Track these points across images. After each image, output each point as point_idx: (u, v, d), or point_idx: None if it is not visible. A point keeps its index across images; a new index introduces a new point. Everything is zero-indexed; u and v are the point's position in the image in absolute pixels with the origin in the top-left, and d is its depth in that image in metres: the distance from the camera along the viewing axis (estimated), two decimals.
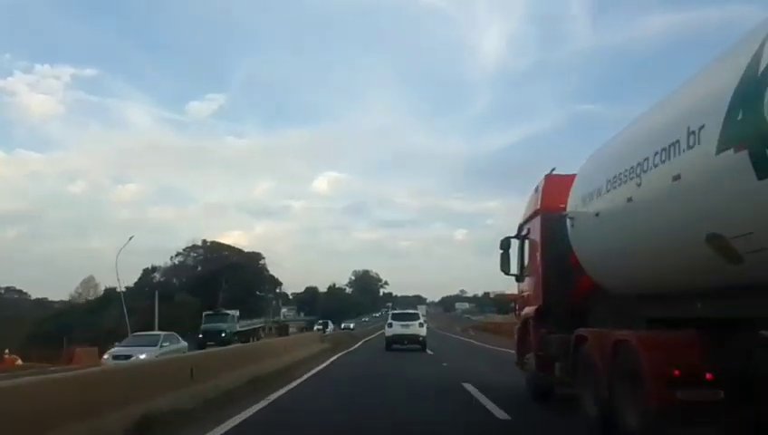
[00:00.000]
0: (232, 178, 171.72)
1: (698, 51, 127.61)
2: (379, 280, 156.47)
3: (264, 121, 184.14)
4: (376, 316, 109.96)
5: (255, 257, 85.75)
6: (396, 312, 29.91)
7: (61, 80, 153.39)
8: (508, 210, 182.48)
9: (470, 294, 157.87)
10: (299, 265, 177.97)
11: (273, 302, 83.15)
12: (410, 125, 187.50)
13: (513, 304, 12.22)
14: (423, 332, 25.23)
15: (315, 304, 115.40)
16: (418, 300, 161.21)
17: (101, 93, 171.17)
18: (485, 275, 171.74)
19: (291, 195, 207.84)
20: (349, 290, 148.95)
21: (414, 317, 26.44)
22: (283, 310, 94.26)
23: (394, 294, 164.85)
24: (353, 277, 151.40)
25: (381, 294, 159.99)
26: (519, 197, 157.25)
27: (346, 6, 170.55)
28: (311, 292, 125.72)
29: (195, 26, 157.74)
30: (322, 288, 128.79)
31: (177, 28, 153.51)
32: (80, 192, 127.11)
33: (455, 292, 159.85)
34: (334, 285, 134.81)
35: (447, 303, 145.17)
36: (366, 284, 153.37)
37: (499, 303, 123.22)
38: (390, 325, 25.93)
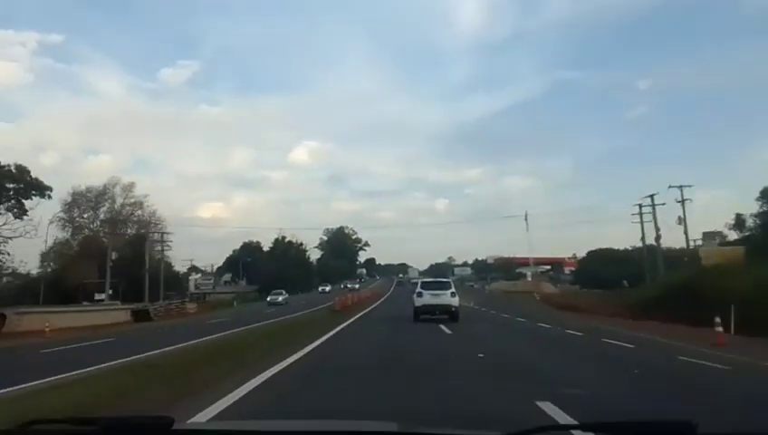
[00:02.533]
0: (208, 148, 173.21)
1: (678, 15, 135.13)
2: (358, 241, 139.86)
3: (240, 89, 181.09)
4: (354, 286, 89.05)
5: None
6: (426, 280, 27.53)
7: (27, 46, 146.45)
8: (488, 179, 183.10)
9: (458, 261, 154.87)
10: None
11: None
12: (390, 93, 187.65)
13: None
14: (455, 301, 23.91)
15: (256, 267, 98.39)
16: (403, 268, 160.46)
17: (70, 61, 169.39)
18: (472, 243, 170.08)
19: (269, 165, 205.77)
20: (317, 253, 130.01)
21: (445, 286, 24.87)
22: (196, 277, 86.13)
23: (378, 261, 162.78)
24: (325, 237, 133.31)
25: (362, 260, 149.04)
26: (499, 166, 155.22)
27: None
28: (250, 250, 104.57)
29: None
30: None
31: None
32: (51, 163, 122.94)
33: (442, 259, 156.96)
34: (283, 238, 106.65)
35: (439, 270, 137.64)
36: (341, 245, 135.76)
37: (504, 268, 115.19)
38: (420, 295, 24.23)
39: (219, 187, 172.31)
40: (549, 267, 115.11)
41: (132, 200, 61.32)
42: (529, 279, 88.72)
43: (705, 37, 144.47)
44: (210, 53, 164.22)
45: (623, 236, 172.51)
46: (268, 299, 54.51)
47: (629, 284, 45.47)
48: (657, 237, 40.37)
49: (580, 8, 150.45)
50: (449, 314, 22.82)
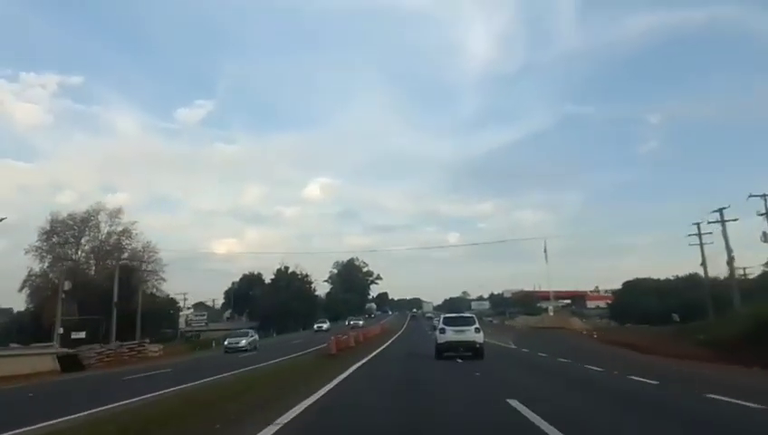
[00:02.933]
0: (223, 185, 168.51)
1: (683, 49, 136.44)
2: (369, 273, 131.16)
3: (253, 127, 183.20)
4: (357, 323, 71.08)
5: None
6: (448, 316, 25.62)
7: (47, 88, 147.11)
8: (500, 213, 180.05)
9: (473, 295, 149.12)
10: None
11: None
12: (401, 128, 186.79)
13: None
14: (480, 338, 22.45)
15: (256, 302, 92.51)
16: (417, 303, 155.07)
17: (88, 101, 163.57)
18: (486, 277, 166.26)
19: (283, 201, 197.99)
20: (326, 287, 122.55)
21: (469, 322, 23.29)
22: (187, 313, 79.93)
23: (391, 296, 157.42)
24: (335, 270, 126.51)
25: (374, 294, 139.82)
26: (511, 199, 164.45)
27: (333, 10, 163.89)
28: (250, 282, 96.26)
29: (181, 32, 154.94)
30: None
31: (162, 34, 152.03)
32: (68, 202, 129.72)
33: (456, 293, 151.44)
34: (285, 268, 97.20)
35: (453, 304, 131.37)
36: (351, 278, 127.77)
37: (523, 302, 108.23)
38: (443, 331, 22.73)
39: (233, 223, 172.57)
40: (569, 301, 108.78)
41: (120, 228, 56.29)
42: (551, 314, 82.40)
43: (714, 69, 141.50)
44: (225, 92, 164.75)
45: (657, 266, 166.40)
46: (226, 343, 39.93)
47: (681, 317, 39.19)
48: (730, 260, 33.26)
49: (587, 44, 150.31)
50: (473, 351, 21.88)
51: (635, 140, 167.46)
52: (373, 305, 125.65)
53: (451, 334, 22.38)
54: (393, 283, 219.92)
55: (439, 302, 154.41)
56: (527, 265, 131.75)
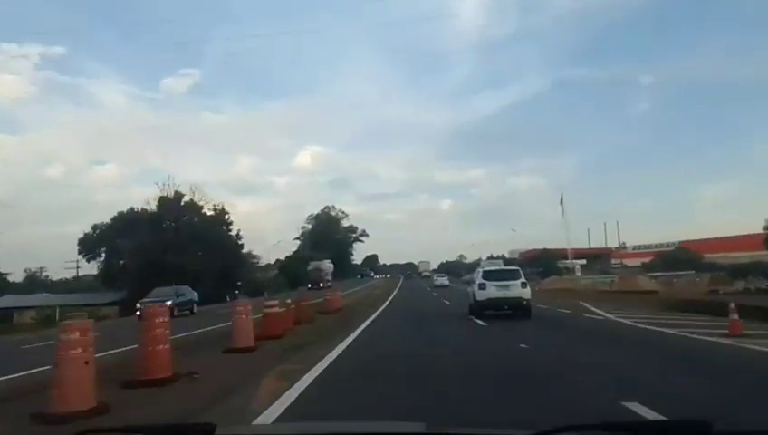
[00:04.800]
0: (213, 155, 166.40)
1: (683, 10, 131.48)
2: (352, 229, 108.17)
3: (242, 96, 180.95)
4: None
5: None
6: (489, 269, 21.42)
7: (29, 59, 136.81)
8: (493, 179, 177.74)
9: (470, 259, 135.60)
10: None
11: None
12: (392, 95, 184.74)
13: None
14: (527, 294, 19.85)
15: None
16: (412, 268, 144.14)
17: (72, 73, 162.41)
18: (481, 242, 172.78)
19: (274, 170, 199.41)
20: (293, 246, 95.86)
21: (515, 275, 20.39)
22: None
23: (383, 262, 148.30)
24: (308, 225, 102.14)
25: (358, 255, 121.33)
26: (504, 165, 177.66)
27: None
28: (126, 224, 56.64)
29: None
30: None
31: (147, 2, 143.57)
32: (57, 175, 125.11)
33: (452, 258, 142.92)
34: (176, 195, 56.67)
35: (451, 267, 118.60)
36: (328, 234, 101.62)
37: (538, 261, 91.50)
38: (483, 286, 19.77)
39: (224, 194, 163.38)
40: (584, 261, 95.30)
41: None
42: (578, 273, 67.59)
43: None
44: (212, 61, 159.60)
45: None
46: None
47: None
48: None
49: (580, 5, 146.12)
50: (521, 309, 19.33)
51: (628, 102, 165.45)
52: (326, 264, 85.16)
53: (493, 290, 19.55)
54: (386, 249, 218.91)
55: (435, 266, 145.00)
56: (526, 228, 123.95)
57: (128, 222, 57.34)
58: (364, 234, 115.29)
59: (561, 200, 61.63)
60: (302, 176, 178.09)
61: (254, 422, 5.29)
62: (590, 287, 45.40)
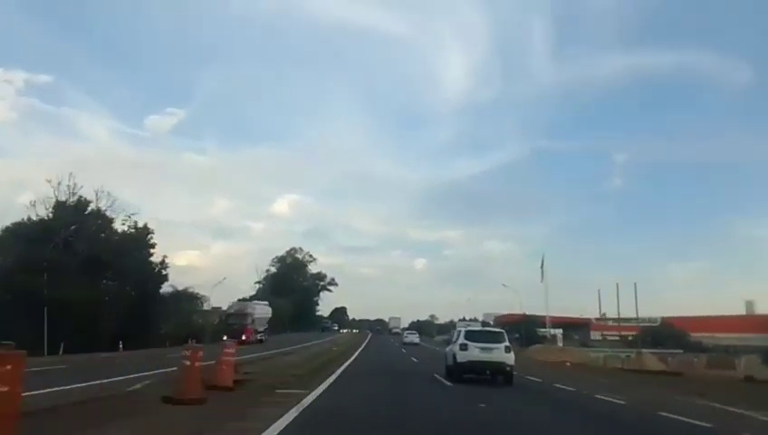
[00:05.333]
0: (190, 196, 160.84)
1: (654, 90, 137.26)
2: (321, 276, 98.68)
3: (225, 139, 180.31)
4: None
5: None
6: (472, 329, 21.66)
7: (13, 84, 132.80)
8: (467, 241, 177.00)
9: (442, 320, 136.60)
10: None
11: None
12: (373, 151, 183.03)
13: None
14: (511, 359, 18.70)
15: None
16: (382, 324, 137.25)
17: (56, 102, 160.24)
18: (453, 301, 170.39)
19: (250, 215, 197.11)
20: (253, 289, 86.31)
21: (498, 338, 19.49)
22: None
23: (353, 317, 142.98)
24: (273, 268, 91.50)
25: (329, 310, 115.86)
26: (479, 227, 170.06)
27: (313, 28, 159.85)
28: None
29: (156, 39, 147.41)
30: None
31: (137, 40, 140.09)
32: (27, 201, 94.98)
33: (423, 317, 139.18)
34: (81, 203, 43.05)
35: (423, 326, 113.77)
36: (291, 277, 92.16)
37: (520, 326, 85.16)
38: (464, 347, 18.93)
39: (197, 235, 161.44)
40: (560, 330, 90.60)
41: None
42: (560, 344, 62.94)
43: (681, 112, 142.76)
44: (198, 102, 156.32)
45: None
46: None
47: None
48: None
49: (561, 79, 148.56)
50: (503, 374, 18.48)
51: (602, 176, 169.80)
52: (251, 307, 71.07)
53: (476, 352, 18.64)
54: (356, 303, 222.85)
55: (405, 324, 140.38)
56: (494, 293, 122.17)
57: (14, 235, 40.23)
58: (333, 283, 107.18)
59: (542, 263, 58.64)
60: (278, 223, 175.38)
61: None
62: (595, 362, 40.05)
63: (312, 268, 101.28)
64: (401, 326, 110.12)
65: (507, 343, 19.14)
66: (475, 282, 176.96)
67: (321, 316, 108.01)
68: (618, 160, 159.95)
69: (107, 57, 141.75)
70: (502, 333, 20.37)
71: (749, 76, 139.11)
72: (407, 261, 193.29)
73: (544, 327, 67.51)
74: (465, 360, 18.74)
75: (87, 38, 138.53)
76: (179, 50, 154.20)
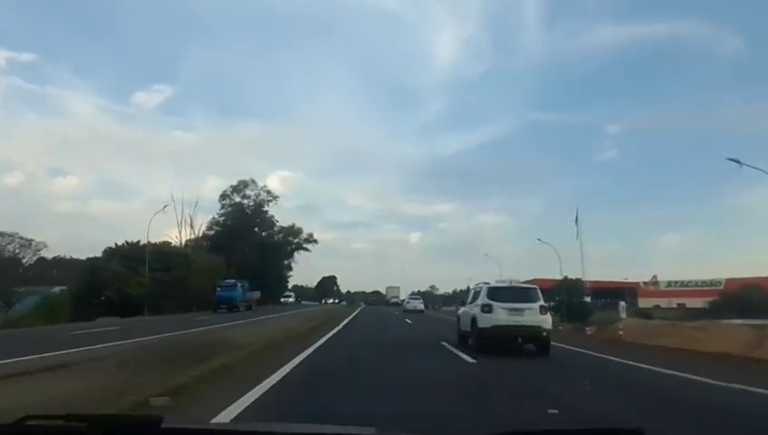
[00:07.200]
0: (179, 174, 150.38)
1: (648, 62, 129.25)
2: (294, 232, 74.35)
3: (214, 116, 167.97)
4: None
5: None
6: (497, 286, 17.00)
7: None
8: (461, 215, 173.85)
9: (441, 290, 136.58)
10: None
11: None
12: (365, 125, 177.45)
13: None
14: (547, 322, 15.21)
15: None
16: (378, 295, 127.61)
17: (40, 81, 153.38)
18: (450, 275, 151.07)
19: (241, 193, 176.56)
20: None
21: (531, 296, 15.56)
22: None
23: (348, 289, 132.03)
24: (219, 217, 67.78)
25: (312, 278, 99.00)
26: (472, 201, 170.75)
27: (301, 3, 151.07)
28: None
29: (142, 14, 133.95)
30: None
31: (122, 15, 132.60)
32: (17, 183, 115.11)
33: (423, 288, 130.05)
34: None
35: (423, 297, 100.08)
36: (247, 225, 67.96)
37: (558, 292, 69.48)
38: (487, 308, 15.04)
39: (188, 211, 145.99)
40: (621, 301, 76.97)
41: None
42: (622, 315, 45.88)
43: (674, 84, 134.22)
44: (185, 79, 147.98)
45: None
46: None
47: None
48: None
49: (554, 52, 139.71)
50: (538, 341, 14.89)
51: (595, 148, 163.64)
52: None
53: (503, 315, 14.74)
54: (351, 279, 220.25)
55: (404, 296, 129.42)
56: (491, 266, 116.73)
57: None
58: (311, 239, 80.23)
59: (576, 219, 50.30)
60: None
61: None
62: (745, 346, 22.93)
63: (277, 215, 73.17)
64: (401, 296, 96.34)
65: (542, 302, 15.62)
66: (473, 252, 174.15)
67: (299, 286, 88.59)
68: (611, 131, 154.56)
69: (92, 34, 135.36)
70: (535, 289, 16.04)
71: (742, 45, 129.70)
72: (401, 235, 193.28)
73: (584, 296, 54.43)
74: (488, 325, 14.89)
75: (70, 15, 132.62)
76: (167, 25, 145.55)
